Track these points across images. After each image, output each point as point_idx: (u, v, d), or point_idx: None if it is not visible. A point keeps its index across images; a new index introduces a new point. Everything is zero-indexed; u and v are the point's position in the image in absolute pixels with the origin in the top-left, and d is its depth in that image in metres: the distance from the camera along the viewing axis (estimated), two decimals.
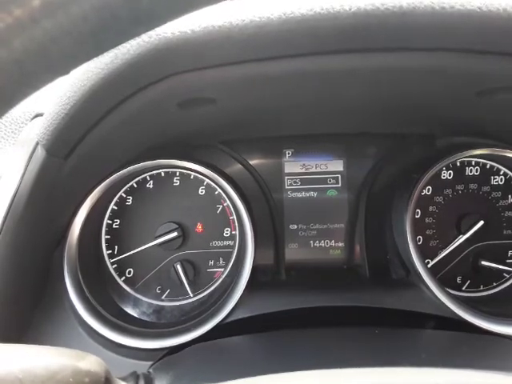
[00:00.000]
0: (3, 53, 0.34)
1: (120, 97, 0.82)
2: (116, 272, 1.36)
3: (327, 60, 0.78)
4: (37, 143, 0.98)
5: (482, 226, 1.32)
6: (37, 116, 1.11)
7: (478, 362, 0.86)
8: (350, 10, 0.69)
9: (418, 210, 1.37)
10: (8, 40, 0.33)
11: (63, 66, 0.39)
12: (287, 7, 0.69)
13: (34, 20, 0.33)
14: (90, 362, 0.60)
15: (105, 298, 1.28)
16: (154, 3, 0.36)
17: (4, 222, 0.96)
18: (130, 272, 1.37)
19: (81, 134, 0.91)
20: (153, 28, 0.41)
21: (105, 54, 0.75)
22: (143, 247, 1.33)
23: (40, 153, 0.96)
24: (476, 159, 1.37)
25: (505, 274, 1.39)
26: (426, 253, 1.34)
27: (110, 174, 1.19)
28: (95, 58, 0.70)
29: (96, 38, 0.37)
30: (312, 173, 1.42)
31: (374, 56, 0.78)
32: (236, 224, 1.37)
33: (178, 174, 1.37)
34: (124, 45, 0.73)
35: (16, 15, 0.33)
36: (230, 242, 1.38)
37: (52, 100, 0.88)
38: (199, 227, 1.38)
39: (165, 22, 0.41)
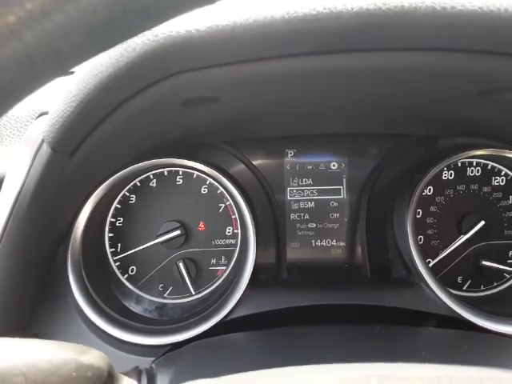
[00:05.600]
0: (15, 45, 0.35)
1: (125, 95, 0.83)
2: (119, 269, 1.37)
3: (330, 59, 0.79)
4: (42, 141, 0.99)
5: (483, 226, 1.33)
6: (42, 114, 1.12)
7: (478, 360, 0.87)
8: (353, 9, 0.69)
9: (419, 210, 1.38)
10: (19, 33, 0.34)
11: (72, 60, 0.40)
12: (290, 7, 0.70)
13: (45, 13, 0.34)
14: (93, 356, 0.61)
15: (108, 295, 1.29)
16: None
17: (9, 218, 0.97)
18: (132, 270, 1.38)
19: (86, 132, 0.91)
20: (162, 22, 0.42)
21: (110, 51, 0.76)
22: (146, 245, 1.34)
23: (45, 150, 0.97)
24: (477, 160, 1.38)
25: (505, 274, 1.39)
26: (427, 252, 1.34)
27: (114, 173, 1.20)
28: (102, 55, 0.71)
29: (106, 32, 0.38)
30: (314, 172, 1.43)
31: (376, 56, 0.78)
32: (238, 223, 1.38)
33: (180, 172, 1.38)
34: (129, 43, 0.74)
35: (27, 8, 0.34)
36: (232, 241, 1.39)
37: (57, 98, 0.88)
38: (201, 226, 1.39)
39: (174, 16, 0.41)
